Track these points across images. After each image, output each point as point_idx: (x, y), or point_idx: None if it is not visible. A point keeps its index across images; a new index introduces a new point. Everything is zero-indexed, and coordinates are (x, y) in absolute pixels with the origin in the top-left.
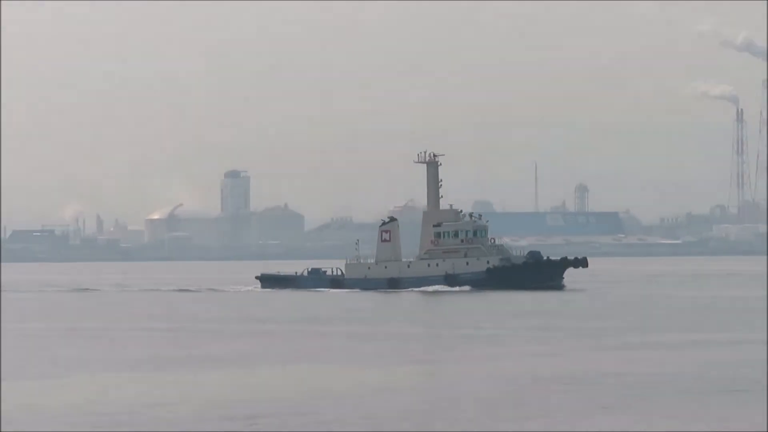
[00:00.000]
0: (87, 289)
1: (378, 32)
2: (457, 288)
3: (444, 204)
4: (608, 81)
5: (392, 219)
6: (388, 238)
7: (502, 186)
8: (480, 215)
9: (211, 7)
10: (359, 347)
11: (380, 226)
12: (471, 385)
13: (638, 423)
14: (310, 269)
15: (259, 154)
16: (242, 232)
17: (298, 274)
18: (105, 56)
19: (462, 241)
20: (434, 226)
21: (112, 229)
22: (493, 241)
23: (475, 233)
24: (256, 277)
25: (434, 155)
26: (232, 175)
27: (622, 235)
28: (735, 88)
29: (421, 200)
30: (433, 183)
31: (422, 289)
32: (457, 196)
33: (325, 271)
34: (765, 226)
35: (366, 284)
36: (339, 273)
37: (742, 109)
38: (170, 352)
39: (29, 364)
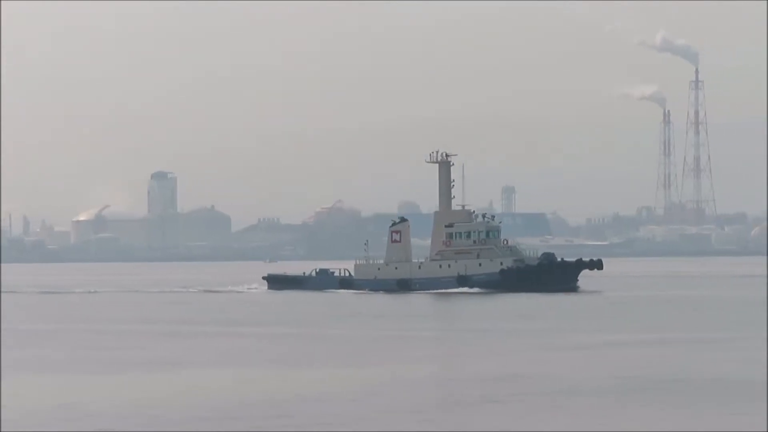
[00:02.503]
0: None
1: (301, 34)
2: (467, 289)
3: (371, 207)
4: (533, 81)
5: (403, 219)
6: (398, 239)
7: (428, 187)
8: (493, 216)
9: (141, 8)
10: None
11: (390, 226)
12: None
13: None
14: (318, 270)
15: (187, 155)
16: (169, 233)
17: (305, 274)
18: (33, 58)
19: (474, 242)
20: (446, 226)
21: (38, 230)
22: (505, 242)
23: (487, 234)
24: (263, 278)
25: (446, 155)
26: (159, 176)
27: (550, 236)
28: (660, 88)
29: (349, 201)
30: (445, 183)
31: (434, 291)
32: (383, 196)
33: (333, 272)
34: (691, 228)
35: (376, 285)
36: (347, 274)
37: (669, 111)
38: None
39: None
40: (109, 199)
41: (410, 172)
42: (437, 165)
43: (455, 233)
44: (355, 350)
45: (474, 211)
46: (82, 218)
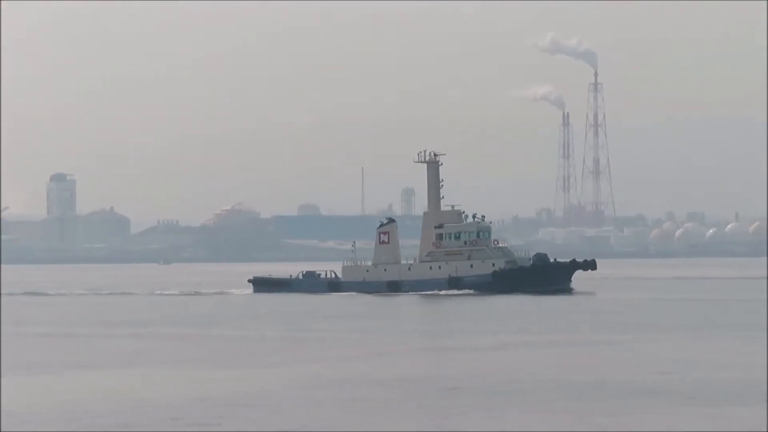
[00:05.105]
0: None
1: (199, 37)
2: (460, 291)
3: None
4: (429, 83)
5: (391, 220)
6: (386, 240)
7: (328, 190)
8: (483, 216)
9: (42, 8)
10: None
11: (378, 227)
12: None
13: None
14: (304, 272)
15: (86, 156)
16: (68, 236)
17: (292, 277)
18: None
19: (465, 243)
20: (436, 227)
21: None
22: (496, 242)
23: (478, 235)
24: (249, 281)
25: (435, 154)
26: (58, 178)
27: None
28: (559, 90)
29: (248, 203)
30: (434, 183)
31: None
32: (284, 197)
33: (319, 274)
34: (590, 230)
35: (365, 287)
36: (333, 276)
37: (568, 113)
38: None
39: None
40: (8, 200)
41: (309, 174)
42: (425, 165)
43: (445, 234)
44: (265, 351)
45: (464, 212)
46: None
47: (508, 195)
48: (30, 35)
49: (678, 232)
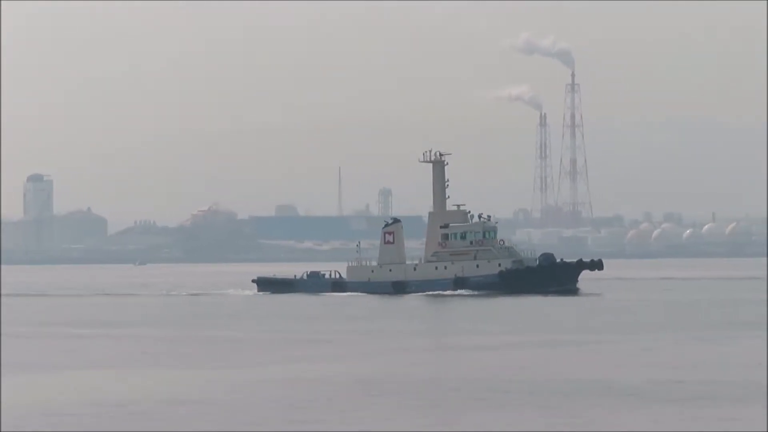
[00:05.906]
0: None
1: (177, 37)
2: (466, 292)
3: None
4: (405, 83)
5: (396, 220)
6: (391, 240)
7: (305, 190)
8: (489, 216)
9: (19, 8)
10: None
11: (383, 227)
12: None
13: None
14: (309, 272)
15: (63, 157)
16: (45, 236)
17: (296, 277)
18: None
19: (471, 243)
20: (441, 227)
21: None
22: (502, 242)
23: (484, 235)
24: (253, 281)
25: (440, 154)
26: (35, 178)
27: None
28: (537, 91)
29: (225, 204)
30: (440, 183)
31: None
32: (261, 197)
33: (324, 274)
34: (567, 230)
35: (370, 287)
36: (338, 276)
37: (545, 113)
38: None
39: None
40: None
41: (286, 174)
42: (430, 165)
43: (451, 234)
44: (261, 351)
45: (469, 212)
46: None
47: (484, 195)
48: (4, 37)
49: (655, 233)
